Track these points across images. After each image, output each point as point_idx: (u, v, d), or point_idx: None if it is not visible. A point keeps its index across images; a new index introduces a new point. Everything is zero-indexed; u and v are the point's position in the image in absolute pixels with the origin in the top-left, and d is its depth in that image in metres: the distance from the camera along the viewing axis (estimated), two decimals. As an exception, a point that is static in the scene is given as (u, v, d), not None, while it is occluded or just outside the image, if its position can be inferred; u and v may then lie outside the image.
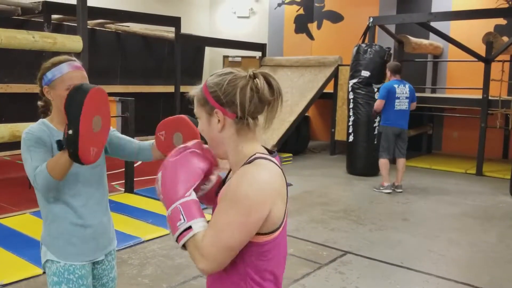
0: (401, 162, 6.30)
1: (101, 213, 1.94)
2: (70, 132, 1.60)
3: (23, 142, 1.79)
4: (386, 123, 6.21)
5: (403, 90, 6.18)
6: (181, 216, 1.21)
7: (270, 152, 1.30)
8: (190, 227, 1.20)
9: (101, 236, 1.94)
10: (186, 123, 1.85)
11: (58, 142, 1.66)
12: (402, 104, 6.16)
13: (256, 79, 1.23)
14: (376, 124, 6.93)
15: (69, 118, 1.64)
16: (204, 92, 1.26)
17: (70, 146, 1.62)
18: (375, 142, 6.89)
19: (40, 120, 1.88)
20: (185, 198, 1.23)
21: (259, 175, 1.18)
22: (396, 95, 6.13)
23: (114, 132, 2.04)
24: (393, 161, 6.39)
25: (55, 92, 1.81)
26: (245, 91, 1.21)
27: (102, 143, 1.79)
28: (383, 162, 6.26)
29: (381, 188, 6.29)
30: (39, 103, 1.90)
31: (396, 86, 6.15)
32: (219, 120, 1.25)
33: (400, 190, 6.28)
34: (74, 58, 1.88)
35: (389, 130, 6.18)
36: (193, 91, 1.30)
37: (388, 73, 6.41)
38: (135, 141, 2.06)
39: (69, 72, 1.80)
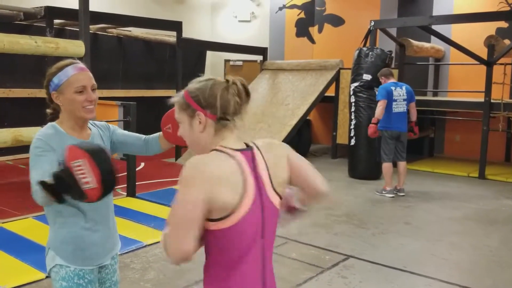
0: (402, 165, 6.28)
1: (108, 217, 1.95)
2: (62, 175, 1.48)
3: (31, 147, 1.78)
4: (384, 127, 6.13)
5: (399, 92, 6.14)
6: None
7: (246, 147, 1.40)
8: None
9: (108, 240, 1.95)
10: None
11: (43, 184, 1.53)
12: (399, 106, 6.12)
13: (234, 84, 1.38)
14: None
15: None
16: (186, 98, 1.40)
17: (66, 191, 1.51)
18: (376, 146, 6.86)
19: (50, 124, 1.86)
20: None
21: (196, 159, 1.31)
22: (394, 97, 6.09)
23: (117, 130, 2.05)
24: (394, 165, 6.37)
25: (64, 96, 1.80)
26: (225, 95, 1.36)
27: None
28: (386, 166, 6.21)
29: (383, 192, 6.28)
30: (48, 110, 1.89)
31: (393, 88, 6.11)
32: (200, 122, 1.38)
33: (402, 194, 6.27)
34: (77, 61, 1.88)
35: (388, 134, 6.14)
36: (174, 98, 1.44)
37: (382, 79, 6.32)
38: (142, 137, 2.10)
39: (75, 75, 1.80)
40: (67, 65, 1.82)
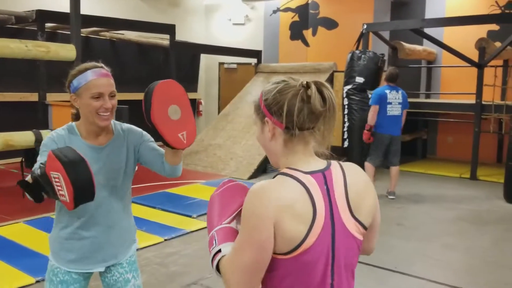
0: (394, 170, 6.24)
1: (108, 225, 1.90)
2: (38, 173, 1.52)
3: (41, 144, 1.83)
4: (378, 129, 6.10)
5: (395, 95, 6.10)
6: (214, 241, 1.24)
7: (321, 168, 1.23)
8: (220, 250, 1.21)
9: (101, 250, 1.90)
10: (176, 93, 1.80)
11: (22, 183, 1.57)
12: (394, 109, 6.08)
13: (309, 89, 1.20)
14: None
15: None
16: (259, 99, 1.26)
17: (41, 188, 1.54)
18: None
19: (68, 124, 1.87)
20: (221, 225, 1.26)
21: (263, 190, 1.16)
22: (388, 101, 6.06)
23: (148, 142, 1.95)
24: (387, 167, 6.39)
25: (81, 101, 1.80)
26: (294, 101, 1.18)
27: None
28: (368, 166, 6.16)
29: None
30: (72, 111, 1.91)
31: (387, 91, 6.09)
32: (269, 129, 1.24)
33: (392, 197, 6.26)
34: (101, 65, 1.85)
35: (380, 137, 6.10)
36: (255, 97, 1.30)
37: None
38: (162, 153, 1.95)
39: (94, 80, 1.78)
40: (88, 69, 1.80)
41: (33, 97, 7.47)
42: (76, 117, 1.91)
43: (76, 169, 1.43)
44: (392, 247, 4.44)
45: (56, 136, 1.82)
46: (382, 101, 6.06)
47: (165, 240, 4.44)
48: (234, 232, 1.24)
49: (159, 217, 5.12)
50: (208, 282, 3.55)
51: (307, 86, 1.20)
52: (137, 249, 4.17)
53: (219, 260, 1.21)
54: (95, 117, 1.80)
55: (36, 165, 1.61)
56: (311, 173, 1.20)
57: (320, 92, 1.20)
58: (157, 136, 1.80)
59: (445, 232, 4.93)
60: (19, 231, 4.54)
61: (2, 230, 4.57)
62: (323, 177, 1.21)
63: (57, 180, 1.45)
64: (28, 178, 1.55)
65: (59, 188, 1.45)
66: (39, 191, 1.53)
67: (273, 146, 1.25)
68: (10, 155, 7.24)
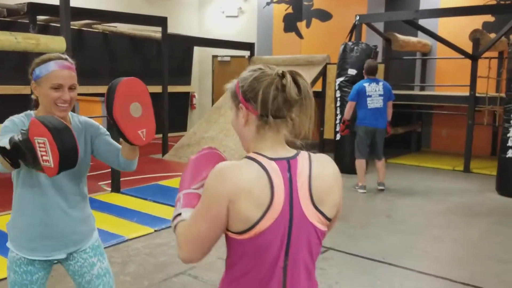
0: (379, 164, 6.19)
1: (68, 212, 1.92)
2: (19, 138, 1.54)
3: (0, 128, 1.81)
4: (360, 122, 6.06)
5: (375, 88, 5.99)
6: (178, 204, 1.30)
7: (288, 157, 1.26)
8: (180, 214, 1.27)
9: (62, 236, 1.92)
10: (138, 90, 1.85)
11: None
12: (375, 102, 5.98)
13: (284, 78, 1.22)
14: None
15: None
16: (236, 86, 1.28)
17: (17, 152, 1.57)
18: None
19: (25, 112, 1.89)
20: (189, 190, 1.30)
21: (224, 169, 1.19)
22: (367, 94, 5.96)
23: (104, 135, 1.99)
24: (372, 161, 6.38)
25: (40, 90, 1.82)
26: (269, 89, 1.21)
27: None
28: (358, 163, 6.15)
29: (356, 187, 6.23)
30: (32, 97, 1.91)
31: (366, 84, 6.00)
32: (243, 115, 1.27)
33: (381, 188, 6.26)
34: (65, 57, 1.86)
35: (362, 130, 6.04)
36: (228, 84, 1.32)
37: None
38: (119, 148, 2.00)
39: (55, 71, 1.79)
40: (51, 59, 1.81)
41: (27, 90, 7.46)
42: (36, 104, 1.92)
43: (62, 134, 1.46)
44: (380, 238, 4.46)
45: (17, 120, 1.83)
46: (361, 95, 5.99)
47: (155, 231, 4.45)
48: (198, 199, 1.28)
49: (150, 208, 5.13)
50: (196, 272, 3.56)
51: (283, 75, 1.22)
52: (127, 240, 4.22)
53: (177, 223, 1.27)
54: (52, 107, 1.82)
55: (4, 141, 1.61)
56: (275, 159, 1.23)
57: (295, 81, 1.22)
58: (118, 131, 1.83)
59: (434, 225, 4.95)
60: (9, 223, 4.55)
61: (-8, 222, 4.58)
62: (287, 164, 1.23)
63: (42, 145, 1.46)
64: (6, 144, 1.54)
65: (44, 153, 1.47)
66: (17, 158, 1.55)
67: (245, 132, 1.28)
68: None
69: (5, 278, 3.32)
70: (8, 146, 1.53)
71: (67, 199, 1.92)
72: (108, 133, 2.02)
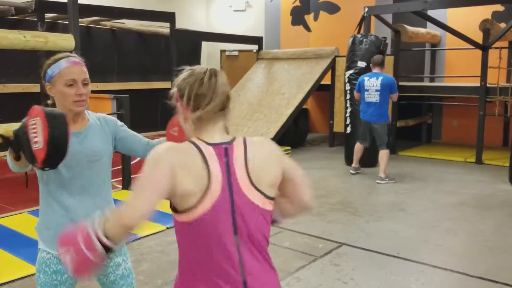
0: (380, 154, 6.33)
1: (96, 209, 1.91)
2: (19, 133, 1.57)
3: None
4: (359, 114, 6.50)
5: (374, 82, 6.17)
6: None
7: (225, 142, 1.37)
8: None
9: None
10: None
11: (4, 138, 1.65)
12: (371, 96, 6.21)
13: (207, 75, 1.37)
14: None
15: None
16: (175, 88, 1.43)
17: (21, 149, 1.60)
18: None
19: None
20: None
21: (162, 146, 1.33)
22: (365, 88, 6.24)
23: (124, 127, 2.06)
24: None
25: (56, 89, 1.85)
26: (193, 86, 1.35)
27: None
28: (355, 146, 6.61)
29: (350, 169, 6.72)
30: (49, 102, 1.95)
31: (366, 78, 6.26)
32: (181, 112, 1.41)
33: (378, 181, 6.24)
34: (74, 54, 1.91)
35: (361, 122, 6.49)
36: (173, 88, 1.45)
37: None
38: (145, 139, 2.09)
39: (67, 67, 1.83)
40: (61, 58, 1.86)
41: (36, 88, 7.48)
42: (52, 107, 1.94)
43: (56, 118, 1.50)
44: (394, 233, 4.43)
45: None
46: (361, 88, 6.30)
47: (167, 228, 4.46)
48: None
49: (161, 205, 5.13)
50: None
51: (206, 73, 1.37)
52: (140, 238, 4.23)
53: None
54: (70, 104, 1.85)
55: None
56: (213, 144, 1.35)
57: (214, 75, 1.37)
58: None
59: (447, 217, 4.90)
60: (23, 221, 4.58)
61: (5, 220, 4.61)
62: (224, 150, 1.35)
63: (34, 126, 1.50)
64: (10, 134, 1.61)
65: (35, 135, 1.50)
66: (17, 148, 1.59)
67: (188, 128, 1.41)
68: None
69: (19, 279, 3.37)
70: (11, 137, 1.57)
71: (93, 195, 1.94)
72: (123, 124, 2.08)
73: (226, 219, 1.31)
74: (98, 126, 1.98)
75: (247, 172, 1.33)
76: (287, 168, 1.43)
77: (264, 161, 1.37)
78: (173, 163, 1.28)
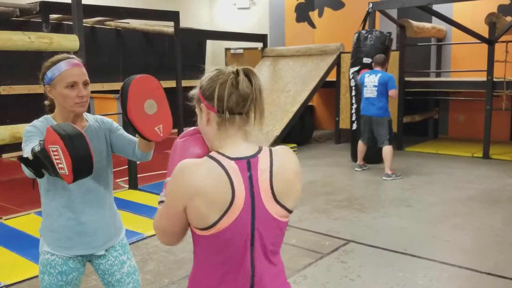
0: (383, 151, 6.32)
1: (99, 208, 1.97)
2: (37, 149, 1.56)
3: (23, 134, 1.86)
4: (360, 111, 6.61)
5: (373, 79, 6.34)
6: (164, 189, 1.36)
7: (248, 155, 1.31)
8: (163, 201, 1.34)
9: (99, 231, 1.97)
10: (151, 87, 1.89)
11: (23, 159, 1.62)
12: (369, 92, 6.38)
13: (236, 75, 1.28)
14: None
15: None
16: (198, 88, 1.35)
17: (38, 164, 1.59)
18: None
19: (43, 117, 1.93)
20: None
21: (182, 169, 1.26)
22: (364, 84, 6.42)
23: (119, 130, 2.06)
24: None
25: (56, 91, 1.85)
26: (224, 86, 1.27)
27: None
28: (358, 144, 6.71)
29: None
30: (46, 102, 1.97)
31: (367, 75, 6.44)
32: (205, 114, 1.32)
33: (385, 178, 6.22)
34: (72, 56, 1.92)
35: (362, 118, 6.57)
36: (193, 90, 1.38)
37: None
38: (135, 142, 2.07)
39: (67, 70, 1.84)
40: (60, 60, 1.86)
41: (41, 89, 7.50)
42: (50, 109, 1.97)
43: (74, 141, 1.49)
44: (401, 229, 4.41)
45: (38, 124, 1.89)
46: (362, 85, 6.48)
47: (174, 227, 4.46)
48: None
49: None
50: (215, 268, 3.56)
51: (237, 73, 1.29)
52: (146, 237, 4.24)
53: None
54: (72, 105, 1.87)
55: (29, 147, 1.67)
56: (235, 159, 1.28)
57: (248, 77, 1.29)
58: (135, 130, 1.88)
59: (455, 213, 4.87)
60: (30, 222, 4.60)
61: (13, 221, 4.64)
62: (247, 163, 1.29)
63: (55, 153, 1.49)
64: (28, 154, 1.59)
65: (58, 161, 1.49)
66: (39, 167, 1.58)
67: (209, 131, 1.33)
68: (19, 147, 7.31)
69: (27, 280, 3.39)
70: (30, 157, 1.57)
71: (96, 196, 1.96)
72: (120, 127, 2.09)
73: (246, 233, 1.28)
74: (96, 128, 2.00)
75: (271, 187, 1.29)
76: (300, 189, 1.42)
77: (289, 175, 1.33)
78: (193, 185, 1.23)
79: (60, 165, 1.49)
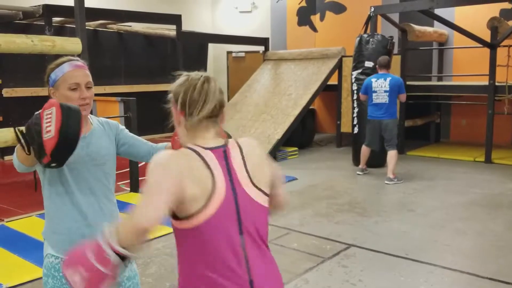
0: (389, 155, 6.31)
1: (103, 211, 1.96)
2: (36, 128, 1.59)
3: None
4: (368, 116, 6.46)
5: (382, 84, 6.22)
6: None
7: (220, 145, 1.40)
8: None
9: None
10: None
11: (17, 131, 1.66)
12: (380, 97, 6.26)
13: (202, 81, 1.38)
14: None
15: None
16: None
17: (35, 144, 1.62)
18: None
19: None
20: None
21: (161, 155, 1.33)
22: (373, 89, 6.28)
23: (125, 130, 2.07)
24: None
25: (59, 92, 1.86)
26: (187, 92, 1.37)
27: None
28: (362, 149, 6.64)
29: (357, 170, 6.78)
30: None
31: (374, 80, 6.29)
32: (175, 117, 1.43)
33: (387, 182, 6.21)
34: (76, 58, 1.92)
35: (371, 123, 6.41)
36: (170, 94, 1.46)
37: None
38: (148, 143, 2.10)
39: (70, 71, 1.85)
40: (64, 62, 1.87)
41: (44, 91, 7.52)
42: None
43: (70, 109, 1.54)
44: (403, 233, 4.41)
45: None
46: (368, 90, 6.32)
47: (175, 230, 4.46)
48: None
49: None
50: (217, 272, 3.56)
51: (201, 79, 1.38)
52: (148, 240, 4.22)
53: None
54: None
55: None
56: (210, 149, 1.37)
57: (207, 81, 1.38)
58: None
59: (457, 217, 4.86)
60: (32, 225, 4.61)
61: (15, 224, 4.65)
62: (223, 152, 1.38)
63: (49, 116, 1.53)
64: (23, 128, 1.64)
65: (48, 124, 1.52)
66: (29, 141, 1.61)
67: (181, 132, 1.43)
68: (22, 150, 7.31)
69: (28, 282, 3.39)
70: (23, 130, 1.60)
71: (99, 198, 1.95)
72: (126, 129, 2.10)
73: (232, 220, 1.33)
74: (101, 130, 1.99)
75: (247, 172, 1.38)
76: (273, 167, 1.50)
77: (258, 160, 1.43)
78: (179, 169, 1.29)
79: (48, 128, 1.52)
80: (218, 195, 1.31)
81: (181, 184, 1.27)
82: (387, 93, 6.18)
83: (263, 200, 1.40)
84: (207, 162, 1.33)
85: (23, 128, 1.64)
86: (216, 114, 1.40)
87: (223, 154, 1.37)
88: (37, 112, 1.61)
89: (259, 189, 1.39)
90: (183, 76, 1.42)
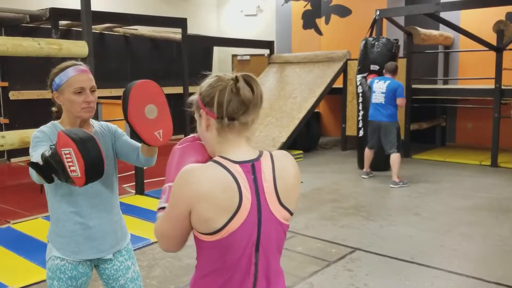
0: (391, 158, 6.30)
1: (107, 213, 1.99)
2: (48, 154, 1.59)
3: (31, 139, 1.88)
4: (368, 117, 6.60)
5: (381, 85, 6.36)
6: (164, 196, 1.36)
7: (251, 159, 1.31)
8: (164, 208, 1.34)
9: (107, 236, 1.99)
10: (153, 92, 1.91)
11: (34, 164, 1.64)
12: (378, 98, 6.40)
13: (238, 82, 1.28)
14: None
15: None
16: (198, 94, 1.35)
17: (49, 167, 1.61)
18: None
19: (51, 122, 1.96)
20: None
21: (187, 173, 1.26)
22: (373, 90, 6.45)
23: (123, 136, 2.09)
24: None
25: (64, 96, 1.89)
26: (224, 92, 1.27)
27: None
28: (365, 151, 6.71)
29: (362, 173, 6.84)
30: (53, 108, 2.00)
31: (376, 81, 6.46)
32: (204, 120, 1.33)
33: (392, 185, 6.20)
34: (80, 63, 1.96)
35: (370, 124, 6.56)
36: (193, 96, 1.39)
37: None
38: (139, 148, 2.10)
39: (74, 76, 1.88)
40: (68, 66, 1.90)
41: (50, 94, 7.57)
42: (57, 115, 2.00)
43: (86, 144, 1.53)
44: (408, 237, 4.39)
45: (46, 130, 1.92)
46: (370, 90, 6.55)
47: (180, 233, 4.46)
48: None
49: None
50: (222, 275, 3.56)
51: (237, 79, 1.29)
52: (153, 243, 4.24)
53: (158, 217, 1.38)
54: (79, 111, 1.90)
55: (37, 153, 1.70)
56: (239, 162, 1.29)
57: (248, 83, 1.29)
58: (135, 134, 1.91)
59: (463, 222, 4.84)
60: (38, 227, 4.63)
61: (20, 226, 4.66)
62: (252, 167, 1.30)
63: (68, 156, 1.52)
64: (38, 159, 1.62)
65: (70, 164, 1.52)
66: (49, 172, 1.61)
67: (208, 136, 1.34)
68: (27, 152, 7.36)
69: (34, 284, 3.40)
70: (40, 162, 1.59)
71: (103, 200, 1.98)
72: (124, 133, 2.11)
73: (252, 236, 1.29)
74: (102, 133, 2.03)
75: (276, 189, 1.31)
76: (298, 192, 1.44)
77: (291, 178, 1.35)
78: (192, 196, 1.24)
79: (72, 168, 1.52)
80: (242, 212, 1.26)
81: (194, 208, 1.24)
82: (383, 94, 6.31)
83: (284, 218, 1.34)
84: (236, 178, 1.26)
85: (38, 160, 1.62)
86: (248, 116, 1.30)
87: (251, 168, 1.29)
88: (52, 145, 1.59)
89: (285, 208, 1.33)
90: (214, 77, 1.32)
